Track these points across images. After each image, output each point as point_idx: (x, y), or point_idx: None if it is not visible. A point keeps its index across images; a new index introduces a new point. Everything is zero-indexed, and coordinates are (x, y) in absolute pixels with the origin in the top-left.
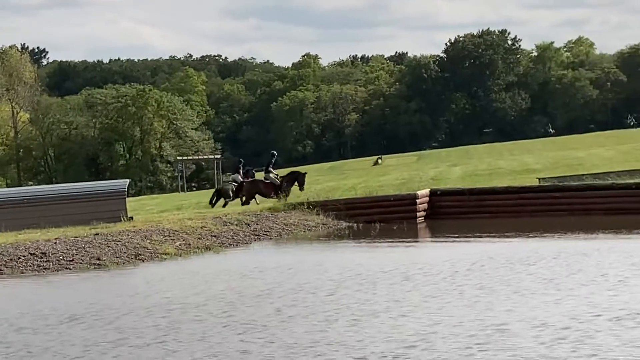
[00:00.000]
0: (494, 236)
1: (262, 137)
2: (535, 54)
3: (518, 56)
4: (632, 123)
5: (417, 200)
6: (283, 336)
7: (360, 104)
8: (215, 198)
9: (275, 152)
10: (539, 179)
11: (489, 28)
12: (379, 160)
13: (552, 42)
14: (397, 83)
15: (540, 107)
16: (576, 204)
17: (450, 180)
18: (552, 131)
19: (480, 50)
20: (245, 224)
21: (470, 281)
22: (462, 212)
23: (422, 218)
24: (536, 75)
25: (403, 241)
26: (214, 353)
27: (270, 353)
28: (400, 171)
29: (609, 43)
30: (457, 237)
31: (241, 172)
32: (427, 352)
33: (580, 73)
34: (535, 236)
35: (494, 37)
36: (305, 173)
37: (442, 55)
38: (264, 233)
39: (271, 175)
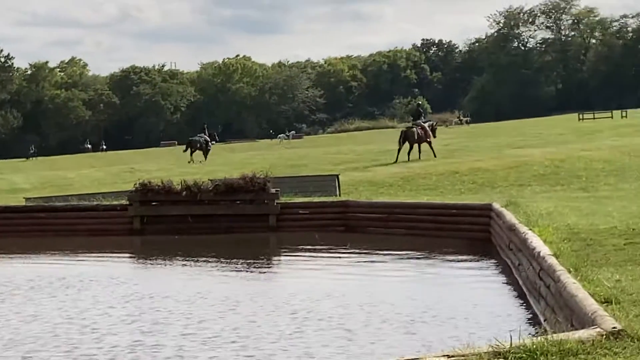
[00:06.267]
0: None
1: None
2: (29, 72)
3: (11, 74)
4: (102, 148)
5: None
6: None
7: None
8: (188, 149)
9: (420, 102)
10: (26, 198)
11: None
12: None
13: (47, 62)
14: None
15: (32, 126)
16: (61, 225)
17: None
18: (34, 151)
19: None
20: None
21: None
22: None
23: None
24: (29, 94)
25: None
26: None
27: None
28: None
29: (102, 65)
30: None
31: (206, 132)
32: None
33: (74, 93)
34: (15, 258)
35: None
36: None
37: None
38: None
39: (423, 123)
